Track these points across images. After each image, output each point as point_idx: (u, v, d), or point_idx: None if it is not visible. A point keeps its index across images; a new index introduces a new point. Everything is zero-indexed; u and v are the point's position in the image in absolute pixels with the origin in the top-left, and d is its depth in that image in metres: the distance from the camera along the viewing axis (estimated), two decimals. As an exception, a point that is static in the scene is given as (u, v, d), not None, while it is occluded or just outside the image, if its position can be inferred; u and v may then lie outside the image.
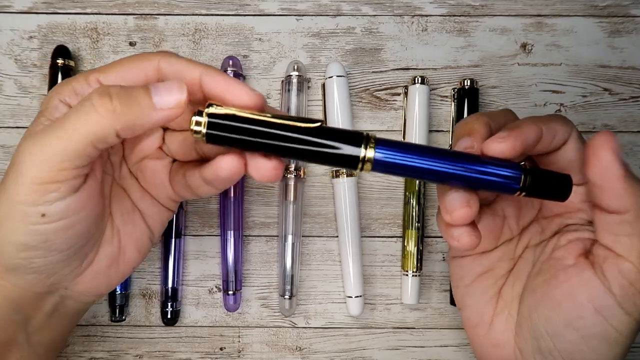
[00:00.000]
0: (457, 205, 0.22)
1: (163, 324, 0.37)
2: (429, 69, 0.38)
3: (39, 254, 0.22)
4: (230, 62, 0.36)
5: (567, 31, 0.38)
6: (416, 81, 0.37)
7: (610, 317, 0.23)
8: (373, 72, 0.38)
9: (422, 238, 0.37)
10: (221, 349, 0.37)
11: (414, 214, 0.37)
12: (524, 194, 0.22)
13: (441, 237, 0.38)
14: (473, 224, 0.23)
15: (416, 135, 0.37)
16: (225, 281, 0.36)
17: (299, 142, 0.21)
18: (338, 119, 0.36)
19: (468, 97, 0.37)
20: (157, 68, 0.23)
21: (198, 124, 0.21)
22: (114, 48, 0.38)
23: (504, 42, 0.38)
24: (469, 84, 0.37)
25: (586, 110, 0.38)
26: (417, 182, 0.37)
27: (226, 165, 0.22)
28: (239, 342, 0.37)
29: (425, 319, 0.38)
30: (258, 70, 0.38)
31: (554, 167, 0.25)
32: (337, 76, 0.36)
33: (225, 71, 0.36)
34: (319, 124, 0.21)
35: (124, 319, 0.36)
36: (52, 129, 0.21)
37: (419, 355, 0.38)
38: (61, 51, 0.36)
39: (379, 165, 0.21)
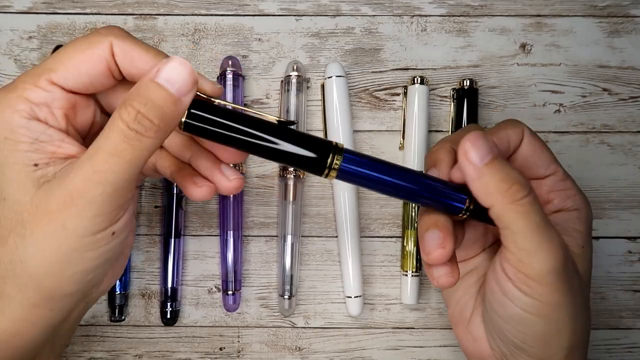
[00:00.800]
0: (432, 246, 0.24)
1: (162, 324, 0.37)
2: (428, 69, 0.38)
3: (102, 271, 0.22)
4: (230, 62, 0.36)
5: (567, 31, 0.38)
6: (415, 81, 0.37)
7: (514, 299, 0.24)
8: (372, 72, 0.38)
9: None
10: (221, 349, 0.37)
11: (413, 214, 0.37)
12: (467, 215, 0.24)
13: (441, 237, 0.38)
14: (452, 262, 0.25)
15: (416, 135, 0.36)
16: (225, 281, 0.36)
17: (270, 141, 0.22)
18: (337, 119, 0.36)
19: (467, 97, 0.37)
20: (111, 51, 0.21)
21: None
22: (113, 48, 0.38)
23: (503, 42, 0.38)
24: (468, 84, 0.37)
25: (585, 111, 0.38)
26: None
27: (197, 195, 0.25)
28: (239, 342, 0.37)
29: (425, 319, 0.38)
30: (257, 70, 0.38)
31: (515, 165, 0.26)
32: (337, 76, 0.36)
33: (225, 71, 0.36)
34: (293, 125, 0.23)
35: (124, 319, 0.36)
36: (108, 162, 0.20)
37: (418, 355, 0.38)
38: (61, 51, 0.36)
39: (342, 175, 0.23)
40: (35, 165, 0.20)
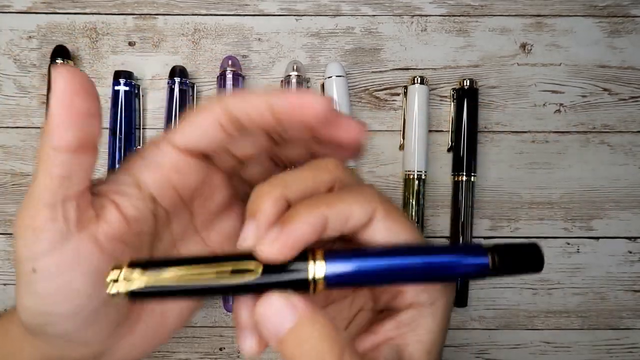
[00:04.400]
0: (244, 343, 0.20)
1: (162, 324, 0.37)
2: (428, 69, 0.38)
3: (50, 319, 0.20)
4: (230, 62, 0.36)
5: (567, 31, 0.38)
6: (415, 81, 0.37)
7: None
8: (372, 72, 0.38)
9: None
10: (221, 349, 0.37)
11: (413, 214, 0.37)
12: (495, 274, 0.21)
13: (441, 237, 0.38)
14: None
15: (416, 135, 0.36)
16: (225, 281, 0.36)
17: (238, 290, 0.18)
18: (337, 119, 0.36)
19: (467, 97, 0.37)
20: (227, 113, 0.20)
21: (115, 281, 0.17)
22: (113, 48, 0.38)
23: (503, 42, 0.38)
24: (468, 84, 0.37)
25: (586, 111, 0.38)
26: (417, 182, 0.37)
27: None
28: (239, 342, 0.37)
29: (425, 319, 0.38)
30: (257, 70, 0.38)
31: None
32: (337, 76, 0.36)
33: (225, 71, 0.36)
34: (259, 272, 0.18)
35: (123, 319, 0.36)
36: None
37: (418, 356, 0.38)
38: (60, 51, 0.36)
39: (332, 282, 0.19)
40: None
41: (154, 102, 0.38)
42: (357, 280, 0.19)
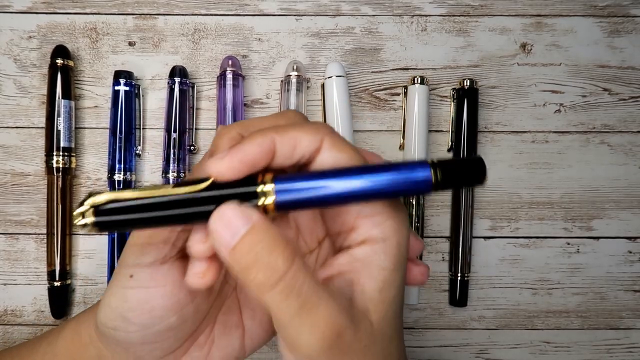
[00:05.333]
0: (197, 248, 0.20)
1: (162, 324, 0.37)
2: (428, 68, 0.38)
3: (122, 325, 0.22)
4: (230, 62, 0.36)
5: (567, 31, 0.38)
6: (416, 81, 0.37)
7: None
8: (372, 72, 0.38)
9: (421, 238, 0.37)
10: (221, 349, 0.37)
11: (413, 213, 0.37)
12: (440, 188, 0.21)
13: (441, 237, 0.38)
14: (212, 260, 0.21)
15: (416, 135, 0.36)
16: (225, 281, 0.36)
17: (194, 204, 0.19)
18: (338, 119, 0.36)
19: (467, 97, 0.37)
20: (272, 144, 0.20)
21: (82, 215, 0.18)
22: (113, 48, 0.38)
23: (503, 42, 0.38)
24: (468, 84, 0.37)
25: (586, 111, 0.38)
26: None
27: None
28: (239, 342, 0.37)
29: (425, 319, 0.38)
30: (257, 70, 0.38)
31: None
32: (337, 76, 0.36)
33: (225, 71, 0.36)
34: (209, 181, 0.19)
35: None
36: None
37: (418, 355, 0.38)
38: (60, 51, 0.36)
39: (282, 200, 0.19)
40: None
41: (154, 102, 0.38)
42: (306, 200, 0.19)
